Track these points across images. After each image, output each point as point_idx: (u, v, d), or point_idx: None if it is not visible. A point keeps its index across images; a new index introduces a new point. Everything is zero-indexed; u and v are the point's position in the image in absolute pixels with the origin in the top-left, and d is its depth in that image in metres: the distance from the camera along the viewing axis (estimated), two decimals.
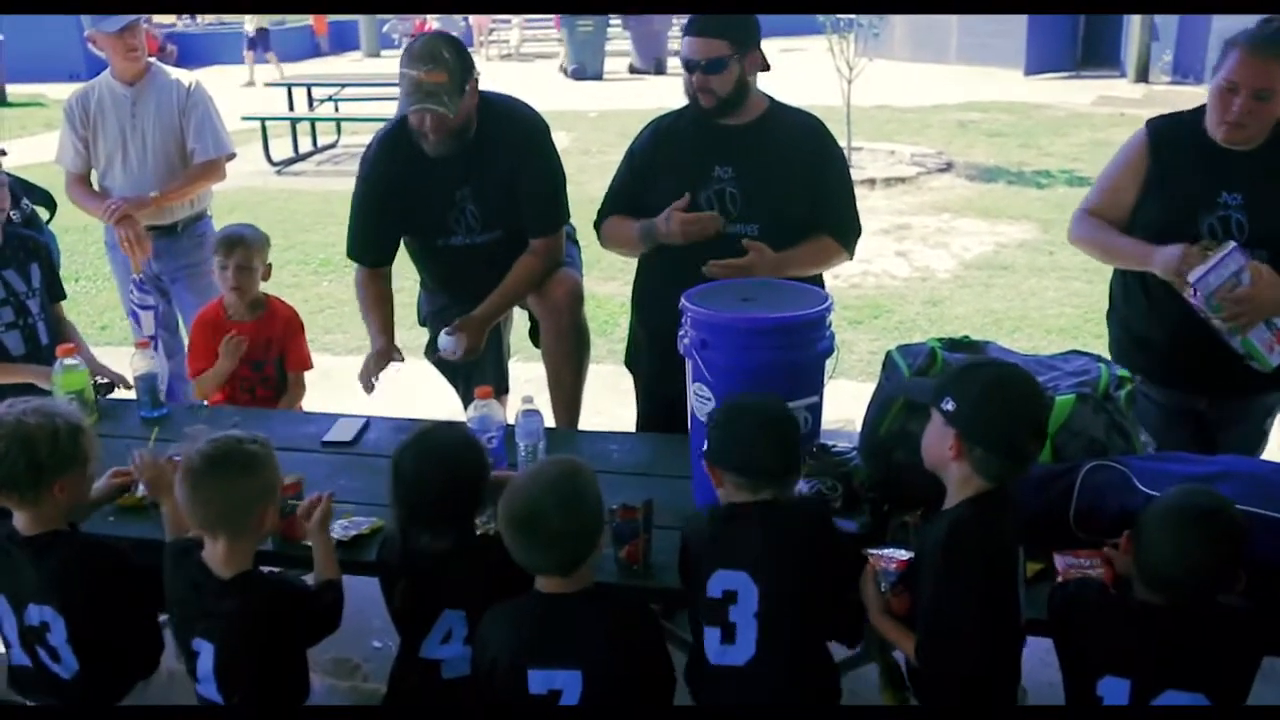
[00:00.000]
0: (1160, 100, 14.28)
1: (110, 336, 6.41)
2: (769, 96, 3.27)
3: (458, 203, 3.49)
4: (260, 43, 21.44)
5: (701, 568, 2.15)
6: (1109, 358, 2.87)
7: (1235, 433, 3.09)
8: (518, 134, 3.51)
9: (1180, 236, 2.82)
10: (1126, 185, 3.00)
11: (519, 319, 4.00)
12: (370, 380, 3.55)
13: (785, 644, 2.10)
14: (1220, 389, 2.98)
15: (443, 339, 3.49)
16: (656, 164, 3.29)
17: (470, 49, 3.49)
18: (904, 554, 2.17)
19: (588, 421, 3.84)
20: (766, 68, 3.20)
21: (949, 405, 2.09)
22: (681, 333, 2.59)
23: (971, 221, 8.87)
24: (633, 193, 3.35)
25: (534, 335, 3.82)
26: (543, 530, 2.04)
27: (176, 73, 4.35)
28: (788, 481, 2.22)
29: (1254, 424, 3.13)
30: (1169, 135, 2.97)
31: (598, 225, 3.44)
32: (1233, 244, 2.74)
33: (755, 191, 3.15)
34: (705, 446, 2.27)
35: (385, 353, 3.58)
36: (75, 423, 2.37)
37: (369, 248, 3.66)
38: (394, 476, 2.27)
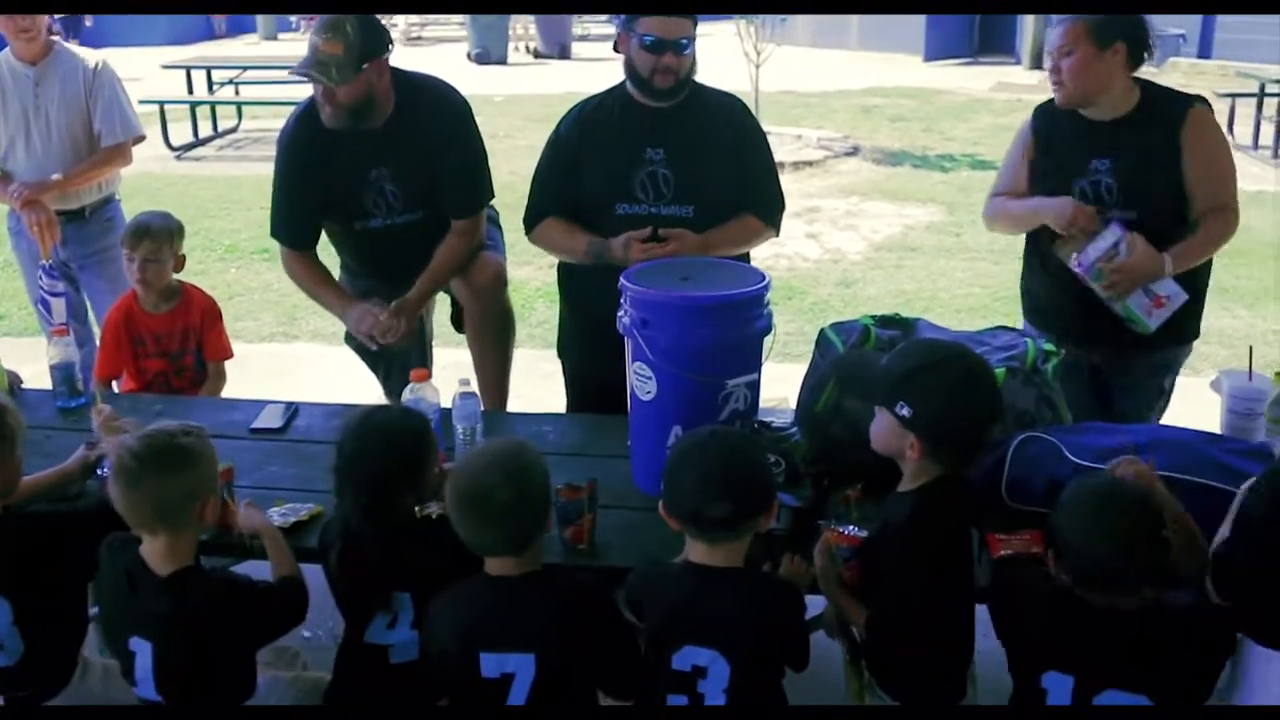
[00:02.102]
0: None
1: (9, 327, 6.19)
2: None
3: (373, 182, 3.42)
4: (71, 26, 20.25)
5: (666, 637, 2.05)
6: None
7: (1131, 389, 3.27)
8: (439, 113, 3.47)
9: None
10: (1020, 163, 3.29)
11: (440, 304, 3.96)
12: (381, 332, 3.39)
13: (755, 707, 2.06)
14: (1109, 345, 3.16)
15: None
16: (586, 149, 3.26)
17: None
18: (859, 532, 2.19)
19: (509, 406, 3.82)
20: None
21: (905, 411, 2.07)
22: (621, 312, 2.59)
23: (879, 204, 9.01)
24: (562, 182, 3.30)
25: (455, 321, 3.78)
26: (491, 506, 2.01)
27: (83, 52, 4.21)
28: (747, 528, 2.06)
29: (1149, 380, 3.27)
30: (1047, 115, 3.26)
31: (530, 222, 3.36)
32: (1114, 219, 3.01)
33: (687, 172, 3.16)
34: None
35: (365, 312, 3.43)
36: (2, 403, 2.31)
37: (289, 226, 3.59)
38: (338, 455, 2.24)
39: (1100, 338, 3.16)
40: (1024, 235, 3.36)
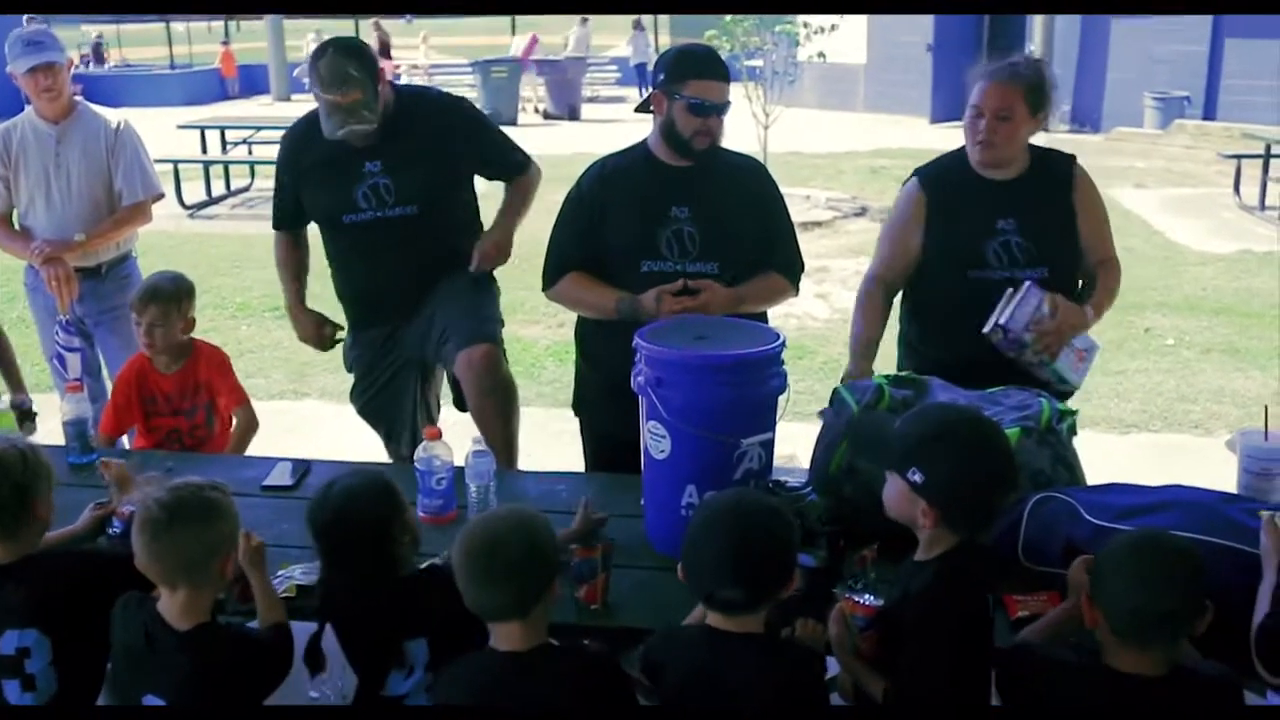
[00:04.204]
0: (1060, 146, 14.72)
1: None
2: None
3: (366, 176, 3.53)
4: None
5: (683, 703, 2.02)
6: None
7: None
8: (442, 107, 3.74)
9: (969, 263, 3.13)
10: (910, 232, 3.26)
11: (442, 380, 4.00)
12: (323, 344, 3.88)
13: None
14: None
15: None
16: (609, 206, 3.26)
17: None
18: (874, 600, 2.17)
19: (520, 465, 3.81)
20: None
21: (916, 477, 2.06)
22: (635, 371, 2.60)
23: None
24: (583, 238, 3.29)
25: (458, 403, 3.80)
26: (500, 558, 1.99)
27: (105, 112, 4.26)
28: (764, 605, 2.04)
29: None
30: (939, 177, 3.29)
31: (550, 278, 3.35)
32: (1028, 282, 3.02)
33: (712, 231, 3.17)
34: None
35: (316, 326, 3.86)
36: (29, 442, 2.41)
37: (281, 213, 3.85)
38: (318, 536, 2.26)
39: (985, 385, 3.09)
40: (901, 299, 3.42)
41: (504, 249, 3.68)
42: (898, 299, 3.44)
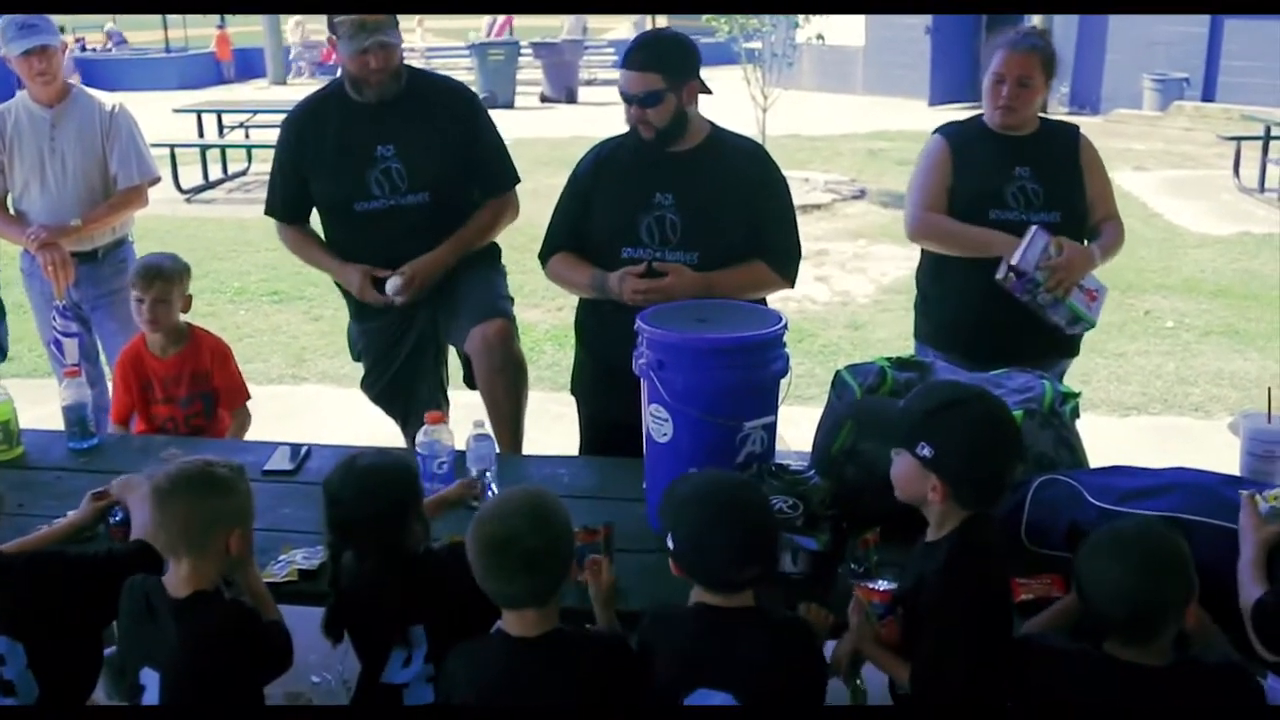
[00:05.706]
0: None
1: (18, 368, 6.14)
2: (710, 123, 3.25)
3: (378, 161, 3.48)
4: None
5: (678, 680, 2.00)
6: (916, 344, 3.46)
7: None
8: (453, 97, 3.68)
9: (989, 203, 3.33)
10: (940, 180, 3.44)
11: (452, 357, 3.96)
12: (388, 294, 3.51)
13: None
14: (1016, 357, 3.09)
15: (391, 282, 3.48)
16: (597, 190, 3.25)
17: None
18: (888, 585, 2.17)
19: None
20: (707, 92, 3.20)
21: (926, 451, 2.05)
22: (637, 353, 2.59)
23: (887, 247, 9.01)
24: (575, 220, 3.29)
25: (468, 380, 3.78)
26: (517, 552, 1.98)
27: (100, 95, 4.23)
28: (760, 580, 2.06)
29: None
30: (960, 134, 3.51)
31: (544, 257, 3.36)
32: (1034, 226, 3.19)
33: (695, 219, 3.11)
34: (668, 543, 2.09)
35: (364, 272, 3.55)
36: None
37: (285, 203, 3.72)
38: (325, 501, 2.24)
39: (1007, 349, 3.17)
40: (919, 262, 3.62)
41: (420, 281, 3.50)
42: (915, 260, 3.66)
